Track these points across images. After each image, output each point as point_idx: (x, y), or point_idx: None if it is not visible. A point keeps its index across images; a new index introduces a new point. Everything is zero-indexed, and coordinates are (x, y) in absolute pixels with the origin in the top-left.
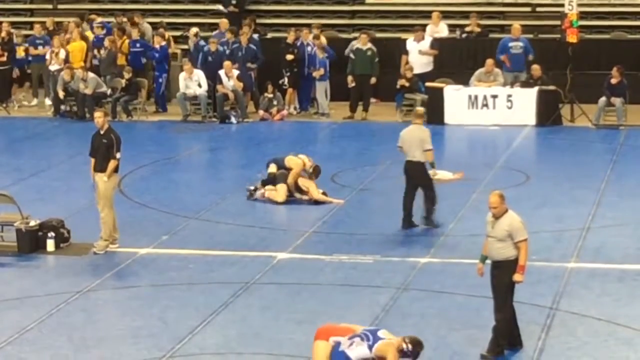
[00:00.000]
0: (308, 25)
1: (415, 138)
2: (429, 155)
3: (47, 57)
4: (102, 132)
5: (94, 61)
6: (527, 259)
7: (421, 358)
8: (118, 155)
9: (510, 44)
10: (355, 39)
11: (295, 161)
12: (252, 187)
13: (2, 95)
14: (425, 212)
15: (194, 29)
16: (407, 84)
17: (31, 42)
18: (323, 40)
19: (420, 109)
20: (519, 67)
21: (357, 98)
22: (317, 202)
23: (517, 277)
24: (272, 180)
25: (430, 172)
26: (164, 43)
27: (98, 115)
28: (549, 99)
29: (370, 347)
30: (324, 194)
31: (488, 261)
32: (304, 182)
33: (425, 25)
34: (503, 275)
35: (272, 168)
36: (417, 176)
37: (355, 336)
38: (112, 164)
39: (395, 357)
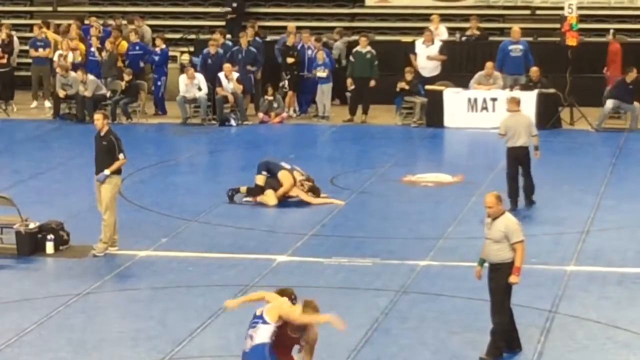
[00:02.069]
0: (308, 28)
1: (522, 124)
2: (537, 139)
3: (55, 59)
4: (102, 135)
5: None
6: (524, 261)
7: None
8: (121, 156)
9: (510, 47)
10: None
11: (287, 178)
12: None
13: (3, 97)
14: (527, 195)
15: (186, 57)
16: (406, 87)
17: (32, 44)
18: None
19: (516, 96)
20: (519, 70)
21: (356, 101)
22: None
23: (512, 278)
24: (258, 190)
25: (537, 153)
26: (163, 46)
27: (97, 117)
28: (549, 102)
29: (265, 322)
30: (315, 192)
31: (486, 264)
32: (292, 192)
33: (425, 28)
34: (500, 278)
35: (260, 180)
36: (524, 160)
37: (249, 329)
38: (116, 163)
39: (288, 306)
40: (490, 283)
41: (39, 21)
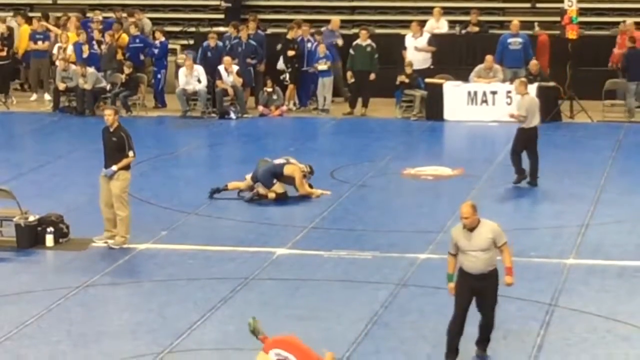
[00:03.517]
0: (308, 22)
1: (535, 106)
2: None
3: (55, 52)
4: (111, 130)
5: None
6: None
7: (420, 355)
8: (131, 153)
9: (509, 40)
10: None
11: (294, 170)
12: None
13: (1, 90)
14: (533, 174)
15: (182, 57)
16: (406, 80)
17: (31, 37)
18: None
19: (524, 79)
20: (518, 63)
21: (356, 94)
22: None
23: (508, 279)
24: (285, 196)
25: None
26: (163, 39)
27: (108, 113)
28: (549, 96)
29: None
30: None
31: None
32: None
33: (424, 22)
34: (494, 283)
35: (280, 187)
36: (534, 139)
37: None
38: (125, 160)
39: None
40: (483, 291)
41: (38, 14)
